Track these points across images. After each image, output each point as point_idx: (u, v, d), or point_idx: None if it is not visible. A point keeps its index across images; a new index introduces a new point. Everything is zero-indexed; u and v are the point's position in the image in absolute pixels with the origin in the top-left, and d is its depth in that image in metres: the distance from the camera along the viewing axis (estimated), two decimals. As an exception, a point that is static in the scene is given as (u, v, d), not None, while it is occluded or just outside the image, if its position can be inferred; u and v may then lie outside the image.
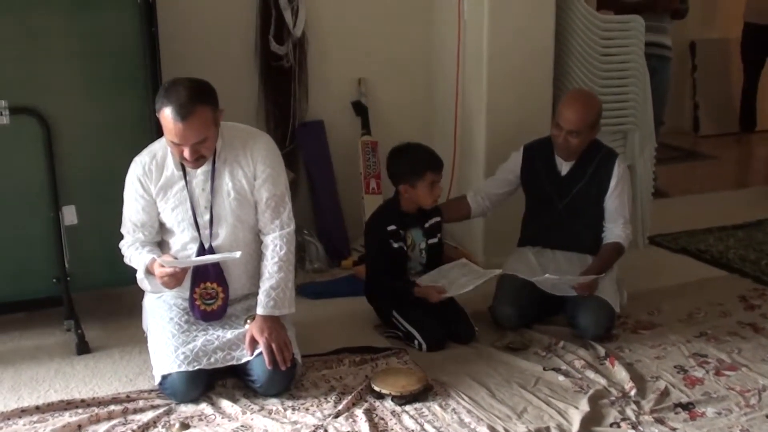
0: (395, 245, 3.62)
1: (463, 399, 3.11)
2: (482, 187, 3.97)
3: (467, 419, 2.98)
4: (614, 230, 3.76)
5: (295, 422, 2.95)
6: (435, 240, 3.71)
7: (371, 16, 4.58)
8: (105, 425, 2.93)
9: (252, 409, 3.03)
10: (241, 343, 3.08)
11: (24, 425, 2.94)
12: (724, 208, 5.69)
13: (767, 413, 3.08)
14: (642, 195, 4.77)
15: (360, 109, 4.66)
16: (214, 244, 3.13)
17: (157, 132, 3.13)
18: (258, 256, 3.21)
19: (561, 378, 3.28)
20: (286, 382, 3.11)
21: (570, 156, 3.74)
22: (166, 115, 2.89)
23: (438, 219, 3.72)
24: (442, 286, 3.56)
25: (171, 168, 3.10)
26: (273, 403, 3.08)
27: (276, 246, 3.15)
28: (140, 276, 3.14)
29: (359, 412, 3.00)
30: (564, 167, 3.79)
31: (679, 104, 7.78)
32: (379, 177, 4.50)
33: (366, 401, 3.09)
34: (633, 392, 3.18)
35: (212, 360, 3.03)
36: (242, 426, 2.94)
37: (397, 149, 3.71)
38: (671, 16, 5.70)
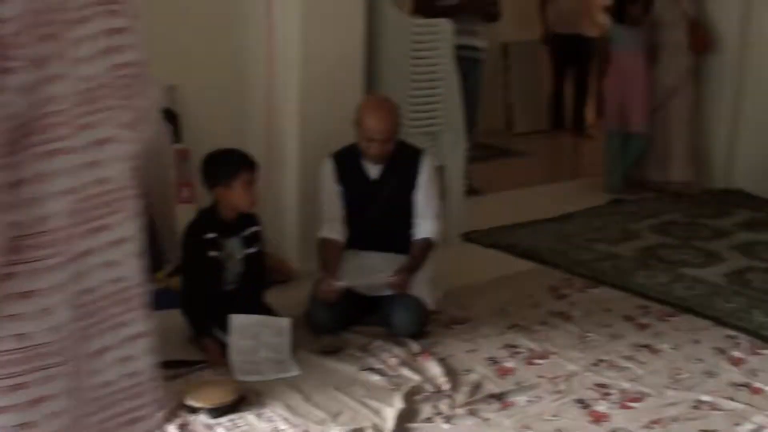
0: (211, 254, 3.56)
1: (279, 406, 3.10)
2: (326, 217, 3.88)
3: (283, 426, 2.98)
4: (424, 226, 3.84)
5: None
6: (253, 250, 3.67)
7: (179, 22, 4.48)
8: None
9: None
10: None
11: None
12: (536, 203, 5.94)
13: (576, 398, 3.24)
14: (454, 194, 4.91)
15: (170, 116, 4.57)
16: None
17: None
18: None
19: (376, 377, 3.34)
20: None
21: (381, 160, 3.80)
22: None
23: (257, 229, 3.68)
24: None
25: None
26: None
27: None
28: None
29: (172, 430, 2.93)
30: (373, 171, 3.85)
31: (494, 104, 8.07)
32: (191, 185, 4.42)
33: (179, 417, 3.02)
34: (446, 386, 3.26)
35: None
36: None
37: (210, 154, 3.66)
38: (484, 20, 5.87)
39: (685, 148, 6.23)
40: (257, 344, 3.40)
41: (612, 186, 6.27)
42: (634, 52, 6.07)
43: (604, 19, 6.91)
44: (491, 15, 5.96)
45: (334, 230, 3.82)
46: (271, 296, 3.77)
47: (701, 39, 6.13)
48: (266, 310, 3.60)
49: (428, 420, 3.05)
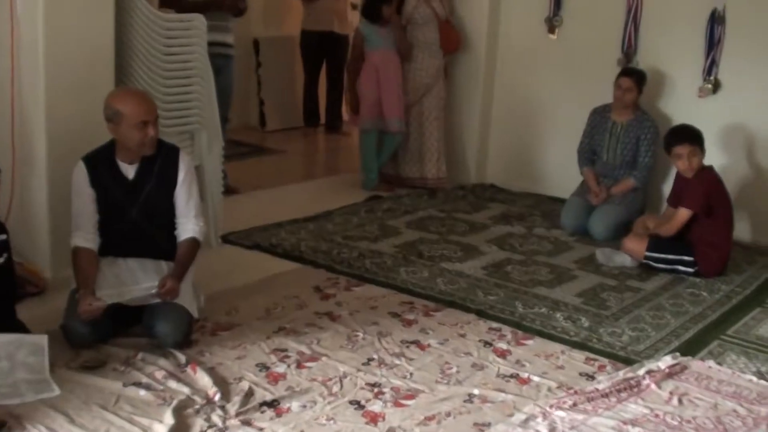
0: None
1: (41, 430, 2.90)
2: (79, 224, 3.65)
3: (45, 452, 2.79)
4: (187, 225, 3.74)
5: None
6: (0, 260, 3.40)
7: None
8: None
9: None
10: None
11: None
12: (295, 201, 5.97)
13: (350, 399, 3.26)
14: (212, 194, 4.82)
15: None
16: None
17: None
18: None
19: (142, 392, 3.19)
20: None
21: (152, 149, 3.65)
22: None
23: (3, 237, 3.40)
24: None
25: None
26: None
27: None
28: None
29: None
30: (130, 171, 3.69)
31: (246, 101, 8.03)
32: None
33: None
34: (217, 397, 3.18)
35: None
36: None
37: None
38: (233, 15, 5.83)
39: (439, 144, 6.47)
40: (12, 365, 3.15)
41: (369, 183, 6.41)
42: (387, 50, 6.24)
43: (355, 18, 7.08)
44: (240, 10, 5.93)
45: (89, 239, 3.63)
46: (23, 310, 3.53)
47: (452, 38, 6.40)
48: (19, 327, 3.35)
49: (200, 434, 2.97)
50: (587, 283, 4.76)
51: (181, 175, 3.74)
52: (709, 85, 5.65)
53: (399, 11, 6.28)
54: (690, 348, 3.94)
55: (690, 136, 4.96)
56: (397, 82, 6.27)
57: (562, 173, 6.28)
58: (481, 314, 4.19)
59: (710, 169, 5.03)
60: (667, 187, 5.84)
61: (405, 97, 6.34)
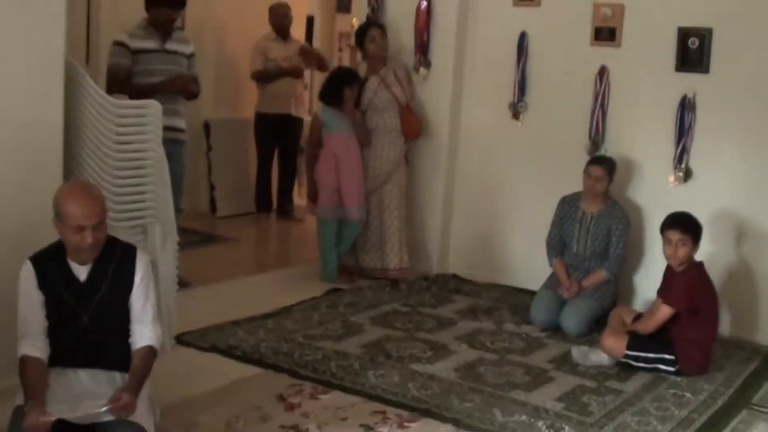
0: None
1: None
2: (26, 331, 3.32)
3: None
4: (143, 332, 3.43)
5: None
6: None
7: None
8: None
9: None
10: None
11: None
12: (250, 296, 5.71)
13: None
14: (167, 292, 4.53)
15: None
16: None
17: None
18: None
19: None
20: None
21: (94, 255, 3.36)
22: None
23: None
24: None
25: None
26: None
27: None
28: None
29: None
30: (82, 272, 3.39)
31: (195, 185, 7.75)
32: None
33: None
34: None
35: None
36: None
37: None
38: (185, 98, 5.65)
39: (400, 234, 6.26)
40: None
41: (328, 274, 6.17)
42: (346, 136, 6.05)
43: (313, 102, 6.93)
44: (193, 93, 5.75)
45: (37, 346, 3.30)
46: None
47: (413, 124, 6.25)
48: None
49: None
50: (566, 385, 4.54)
51: (138, 277, 3.45)
52: (681, 173, 5.55)
53: (358, 96, 6.12)
54: (683, 458, 3.75)
55: (684, 225, 4.80)
56: (357, 168, 6.08)
57: (528, 264, 6.12)
58: (458, 424, 3.94)
59: (699, 265, 4.88)
60: (639, 279, 5.75)
61: (365, 184, 6.14)
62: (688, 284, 4.76)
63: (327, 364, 4.56)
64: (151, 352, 3.44)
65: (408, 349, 4.90)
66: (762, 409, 4.40)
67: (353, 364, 4.60)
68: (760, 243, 5.40)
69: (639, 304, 5.71)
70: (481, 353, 4.93)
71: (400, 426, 3.88)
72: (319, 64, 7.91)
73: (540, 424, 4.00)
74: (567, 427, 3.98)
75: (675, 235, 4.78)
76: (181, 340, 4.74)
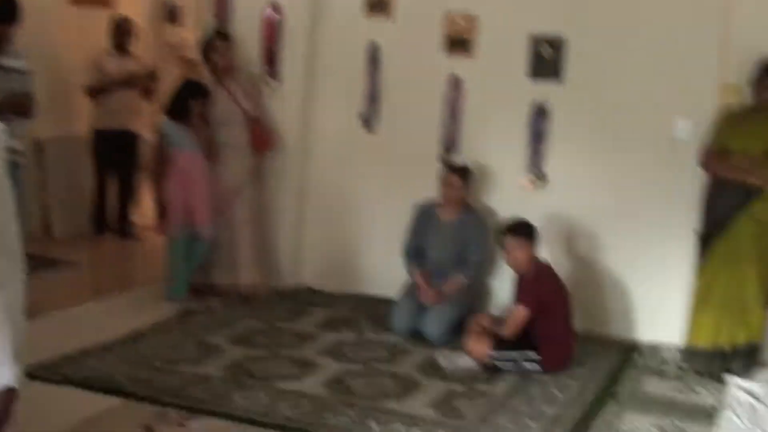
0: None
1: None
2: None
3: None
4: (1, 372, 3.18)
5: None
6: None
7: None
8: None
9: None
10: None
11: None
12: (98, 322, 5.42)
13: None
14: (14, 326, 4.21)
15: None
16: None
17: None
18: None
19: None
20: None
21: None
22: None
23: None
24: None
25: None
26: None
27: None
28: None
29: None
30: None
31: (29, 207, 7.32)
32: None
33: None
34: None
35: None
36: None
37: None
38: (20, 116, 5.29)
39: (252, 249, 6.12)
40: None
41: (177, 294, 5.93)
42: (194, 151, 5.84)
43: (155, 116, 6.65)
44: (28, 111, 5.40)
45: None
46: None
47: (262, 138, 6.11)
48: None
49: None
50: (435, 391, 4.55)
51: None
52: (535, 178, 5.67)
53: (206, 110, 5.92)
54: (561, 456, 3.81)
55: (517, 231, 4.97)
56: (206, 185, 5.87)
57: (383, 272, 6.11)
58: (336, 440, 3.87)
59: (546, 265, 5.03)
60: (498, 284, 5.83)
61: (214, 200, 5.94)
62: (536, 283, 4.92)
63: (190, 389, 4.37)
64: (9, 395, 3.18)
65: (272, 367, 4.78)
66: (628, 401, 4.55)
67: (216, 386, 4.43)
68: (611, 242, 5.59)
69: (496, 308, 5.80)
70: (346, 365, 4.86)
71: (277, 447, 3.77)
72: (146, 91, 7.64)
73: (416, 431, 3.98)
74: (443, 433, 3.98)
75: (511, 243, 4.93)
76: (32, 374, 4.42)
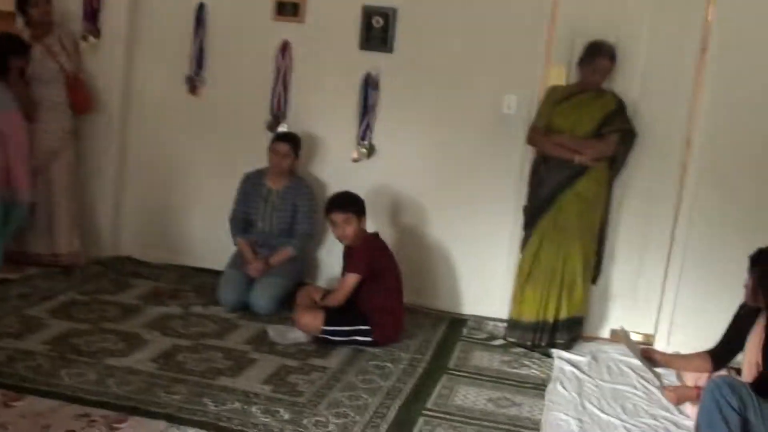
0: None
1: None
2: None
3: None
4: None
5: None
6: None
7: None
8: None
9: None
10: None
11: None
12: None
13: None
14: None
15: None
16: None
17: None
18: None
19: None
20: None
21: None
22: None
23: None
24: None
25: None
26: None
27: None
28: None
29: None
30: None
31: None
32: None
33: None
34: None
35: None
36: None
37: None
38: None
39: (70, 216, 5.83)
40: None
41: (-8, 263, 5.58)
42: (13, 110, 5.44)
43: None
44: None
45: None
46: None
47: (81, 97, 5.81)
48: None
49: None
50: (269, 366, 4.49)
51: None
52: (364, 150, 5.68)
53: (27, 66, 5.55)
54: (400, 429, 3.85)
55: (344, 204, 4.99)
56: (26, 146, 5.48)
57: (209, 243, 6.00)
58: (171, 419, 3.73)
59: (375, 235, 5.09)
60: (326, 255, 5.84)
61: (32, 163, 5.59)
62: (367, 250, 4.96)
63: (13, 366, 4.10)
64: None
65: (98, 342, 4.57)
66: (459, 374, 4.66)
67: (42, 364, 4.19)
68: (439, 215, 5.69)
69: (324, 280, 5.82)
70: (175, 340, 4.73)
71: (110, 428, 3.59)
72: None
73: (254, 409, 3.91)
74: (281, 410, 3.93)
75: (338, 217, 4.97)
76: None
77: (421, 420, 3.99)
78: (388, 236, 5.43)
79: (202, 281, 5.80)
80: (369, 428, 3.84)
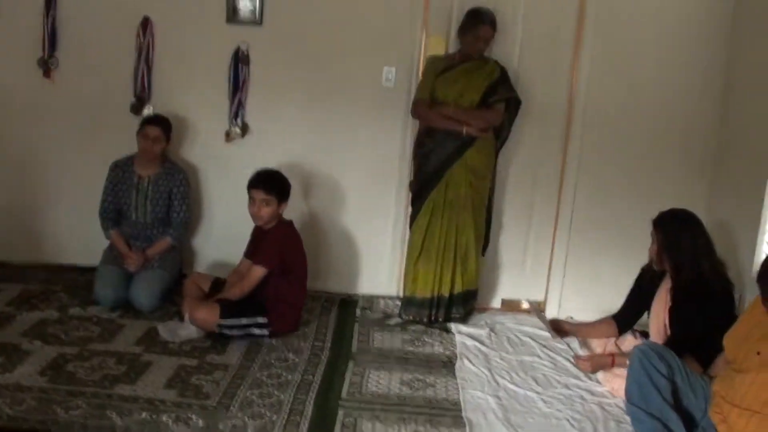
0: None
1: None
2: None
3: None
4: None
5: None
6: None
7: None
8: None
9: None
10: None
11: None
12: None
13: None
14: None
15: None
16: None
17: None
18: None
19: None
20: None
21: None
22: None
23: None
24: None
25: None
26: None
27: None
28: None
29: None
30: None
31: None
32: None
33: None
34: None
35: None
36: None
37: None
38: None
39: None
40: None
41: None
42: None
43: None
44: None
45: None
46: None
47: None
48: None
49: None
50: (167, 368, 4.27)
51: None
52: (237, 129, 5.45)
53: None
54: (323, 426, 3.74)
55: (269, 184, 4.75)
56: None
57: (77, 238, 5.63)
58: (78, 440, 3.49)
59: (289, 224, 4.90)
60: (200, 242, 5.62)
61: None
62: (279, 243, 4.75)
63: None
64: None
65: (-27, 357, 4.23)
66: (364, 358, 4.57)
67: None
68: (322, 194, 5.55)
69: (203, 267, 5.58)
70: (58, 348, 4.40)
71: (14, 456, 3.33)
72: None
73: (164, 418, 3.71)
74: (194, 417, 3.74)
75: (259, 195, 4.73)
76: None
77: (341, 412, 3.90)
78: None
79: (73, 279, 5.45)
80: (289, 426, 3.71)
